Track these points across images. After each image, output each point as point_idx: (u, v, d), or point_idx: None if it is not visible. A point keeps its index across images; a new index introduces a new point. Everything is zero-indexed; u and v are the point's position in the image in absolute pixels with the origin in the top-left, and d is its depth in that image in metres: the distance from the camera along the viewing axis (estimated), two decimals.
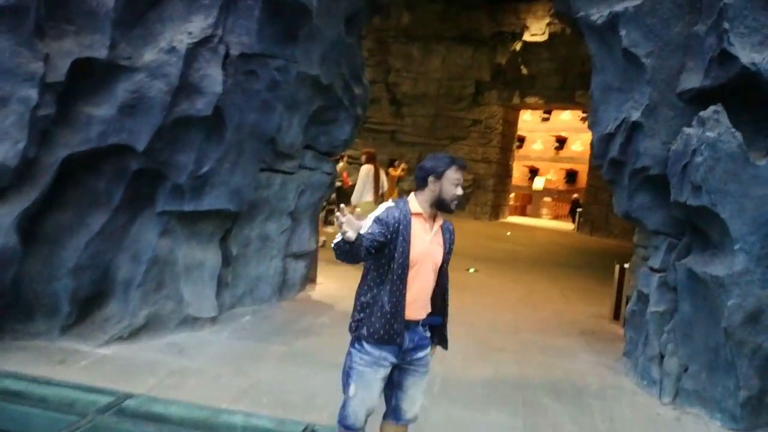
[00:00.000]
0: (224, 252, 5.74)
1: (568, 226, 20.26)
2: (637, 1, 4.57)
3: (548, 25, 17.72)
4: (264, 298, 6.38)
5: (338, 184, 14.39)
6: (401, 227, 2.62)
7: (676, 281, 4.79)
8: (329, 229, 12.89)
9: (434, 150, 19.37)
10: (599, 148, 5.14)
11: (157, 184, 5.00)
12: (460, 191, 2.70)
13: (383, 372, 2.69)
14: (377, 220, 2.62)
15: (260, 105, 5.09)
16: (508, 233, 16.12)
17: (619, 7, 4.67)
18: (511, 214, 21.77)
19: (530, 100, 18.60)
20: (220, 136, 4.95)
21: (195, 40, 4.67)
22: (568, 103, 18.19)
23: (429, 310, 2.77)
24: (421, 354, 2.75)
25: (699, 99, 4.56)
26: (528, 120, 24.76)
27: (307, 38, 5.74)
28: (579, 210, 18.41)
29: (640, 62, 4.59)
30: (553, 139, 25.76)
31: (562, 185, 24.97)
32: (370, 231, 2.56)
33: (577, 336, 6.33)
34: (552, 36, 17.62)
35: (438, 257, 2.74)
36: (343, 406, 2.73)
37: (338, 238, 2.47)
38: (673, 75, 4.63)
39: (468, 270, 9.54)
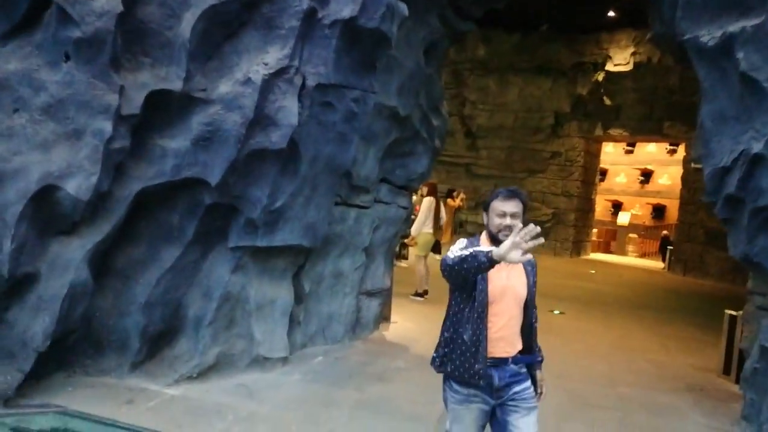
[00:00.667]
0: (296, 289, 5.51)
1: (657, 264, 18.96)
2: (756, 20, 4.04)
3: (633, 54, 16.95)
4: (336, 337, 6.09)
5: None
6: (480, 262, 2.44)
7: None
8: (403, 264, 12.56)
9: (510, 183, 18.78)
10: (712, 183, 4.55)
11: (230, 218, 4.85)
12: (508, 221, 2.55)
13: (477, 410, 2.60)
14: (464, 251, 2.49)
15: (336, 137, 4.88)
16: (593, 271, 15.20)
17: (734, 27, 4.15)
18: (594, 250, 20.66)
19: (614, 131, 17.74)
20: (295, 170, 4.76)
21: (271, 71, 4.54)
22: (655, 134, 17.20)
23: (518, 347, 2.65)
24: (518, 388, 2.61)
25: None
26: (610, 152, 23.68)
27: (385, 69, 5.53)
28: (670, 248, 17.17)
29: (761, 87, 4.04)
30: (637, 172, 24.47)
31: (648, 221, 23.55)
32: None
33: (683, 392, 5.61)
34: (637, 65, 16.81)
35: (521, 292, 2.64)
36: None
37: (457, 252, 2.48)
38: None
39: (552, 311, 8.90)
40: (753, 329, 5.49)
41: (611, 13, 16.44)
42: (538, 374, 2.77)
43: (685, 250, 16.31)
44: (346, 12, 4.52)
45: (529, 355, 2.68)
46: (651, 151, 24.14)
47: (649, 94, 16.78)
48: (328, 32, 4.62)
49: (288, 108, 4.57)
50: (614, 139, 19.76)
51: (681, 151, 22.52)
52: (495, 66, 18.61)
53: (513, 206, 2.58)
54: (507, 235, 2.40)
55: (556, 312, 8.98)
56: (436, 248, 9.81)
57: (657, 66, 16.37)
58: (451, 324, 2.64)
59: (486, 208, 2.66)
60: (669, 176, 23.51)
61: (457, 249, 2.52)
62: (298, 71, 4.63)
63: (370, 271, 6.44)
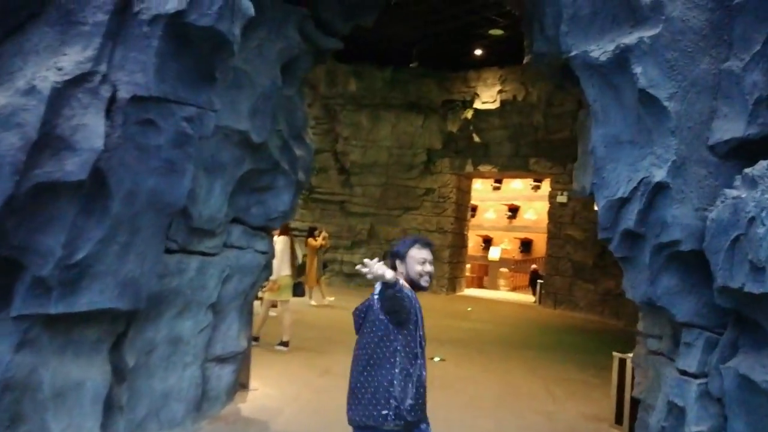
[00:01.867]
0: (116, 364, 4.23)
1: (528, 298, 19.25)
2: (652, 31, 3.59)
3: (499, 92, 17.31)
4: (175, 419, 4.83)
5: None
6: (414, 301, 2.77)
7: (722, 390, 3.61)
8: (272, 313, 11.34)
9: (385, 220, 18.31)
10: (607, 217, 4.02)
11: (12, 277, 3.54)
12: (428, 267, 2.85)
13: None
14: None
15: (162, 166, 3.77)
16: (469, 309, 14.90)
17: (629, 40, 3.68)
18: (468, 285, 20.65)
19: (483, 168, 17.92)
20: (104, 209, 3.58)
21: (66, 78, 3.37)
22: (522, 170, 17.59)
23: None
24: None
25: (737, 152, 3.55)
26: (479, 189, 24.14)
27: (232, 84, 4.55)
28: (540, 281, 17.45)
29: (662, 106, 3.57)
30: (505, 208, 25.20)
31: (517, 255, 24.18)
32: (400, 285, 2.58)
33: None
34: (504, 103, 17.17)
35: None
36: None
37: (378, 287, 2.67)
38: (702, 123, 3.61)
39: (433, 359, 8.16)
40: (648, 375, 5.04)
41: (478, 51, 16.73)
42: None
43: (555, 283, 16.60)
44: (171, 5, 3.50)
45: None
46: (517, 187, 24.99)
47: (515, 131, 17.16)
48: (147, 30, 3.55)
49: (90, 127, 3.41)
50: (483, 176, 20.06)
51: (545, 186, 23.53)
52: (367, 102, 18.22)
53: (429, 253, 2.90)
54: (427, 281, 2.84)
55: (437, 359, 8.27)
56: (298, 291, 8.81)
57: (522, 103, 16.82)
58: (403, 367, 2.65)
59: (402, 257, 2.87)
60: (534, 211, 24.40)
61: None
62: (106, 79, 3.50)
63: (220, 333, 5.27)
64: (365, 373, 2.67)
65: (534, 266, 19.53)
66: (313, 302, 13.26)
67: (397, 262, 2.84)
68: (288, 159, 5.48)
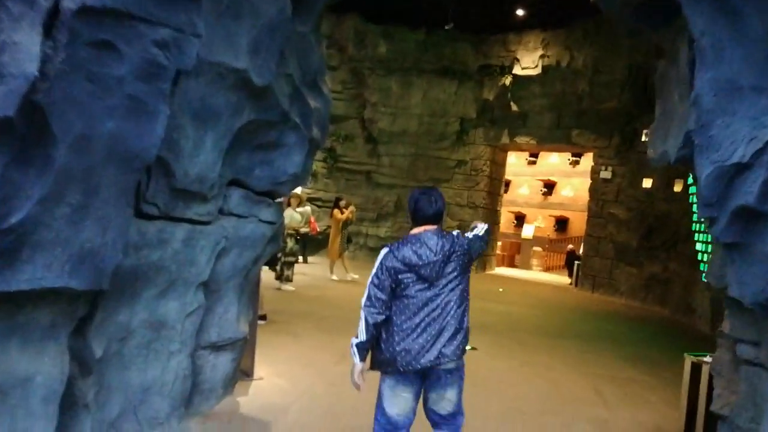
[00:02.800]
0: (79, 354, 3.43)
1: (563, 279, 18.17)
2: None
3: (541, 57, 16.03)
4: (158, 417, 4.05)
5: (305, 230, 12.11)
6: None
7: None
8: (289, 287, 10.56)
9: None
10: (713, 189, 3.01)
11: None
12: None
13: None
14: None
15: (126, 105, 2.88)
16: (501, 289, 13.94)
17: None
18: (499, 264, 19.65)
19: (521, 139, 16.74)
20: (46, 158, 2.71)
21: None
22: (563, 143, 16.36)
23: None
24: None
25: None
26: (513, 163, 22.90)
27: (228, 10, 3.61)
28: (577, 263, 16.35)
29: None
30: (540, 183, 23.94)
31: (552, 233, 22.99)
32: None
33: None
34: (546, 69, 15.90)
35: None
36: None
37: (482, 228, 3.46)
38: None
39: None
40: (738, 389, 4.06)
41: (519, 12, 15.43)
42: None
43: (594, 265, 15.49)
44: None
45: None
46: (553, 162, 23.69)
47: (557, 100, 15.91)
48: None
49: (22, 46, 2.53)
50: (522, 148, 18.88)
51: (584, 162, 22.17)
52: (397, 66, 17.12)
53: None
54: None
55: (468, 348, 7.35)
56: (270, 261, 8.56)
57: (566, 70, 15.53)
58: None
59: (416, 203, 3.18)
60: (572, 188, 23.12)
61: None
62: None
63: (215, 316, 4.44)
64: (462, 310, 3.12)
65: (570, 246, 18.40)
66: (334, 277, 12.46)
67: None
68: (300, 111, 4.55)
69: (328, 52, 16.84)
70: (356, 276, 12.26)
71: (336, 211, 12.58)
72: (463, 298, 3.10)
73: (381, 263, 3.00)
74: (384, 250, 3.09)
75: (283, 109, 4.33)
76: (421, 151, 17.28)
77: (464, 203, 17.19)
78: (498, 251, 19.88)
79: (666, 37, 4.50)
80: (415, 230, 3.12)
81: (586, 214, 19.22)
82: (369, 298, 2.98)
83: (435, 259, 2.97)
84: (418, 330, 2.96)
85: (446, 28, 16.79)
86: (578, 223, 21.61)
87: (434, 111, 17.16)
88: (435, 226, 3.11)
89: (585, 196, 22.32)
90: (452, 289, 3.03)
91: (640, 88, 14.43)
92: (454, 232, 3.18)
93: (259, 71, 3.91)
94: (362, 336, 2.98)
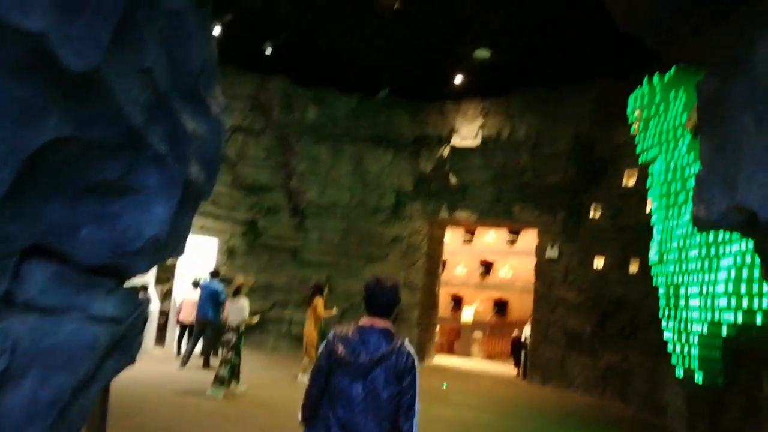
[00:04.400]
0: None
1: (508, 370, 16.53)
2: None
3: (481, 127, 15.11)
4: None
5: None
6: None
7: None
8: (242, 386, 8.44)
9: (345, 272, 15.46)
10: None
11: None
12: None
13: None
14: None
15: None
16: (445, 385, 12.07)
17: None
18: (438, 351, 17.86)
19: (461, 214, 15.48)
20: None
21: None
22: (506, 218, 15.22)
23: None
24: None
25: None
26: (448, 241, 21.65)
27: None
28: (524, 351, 14.81)
29: None
30: (477, 262, 22.74)
31: (491, 317, 21.56)
32: None
33: None
34: (486, 140, 14.94)
35: None
36: None
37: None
38: None
39: None
40: None
41: (458, 80, 14.53)
42: None
43: (543, 354, 13.98)
44: None
45: None
46: (489, 241, 22.66)
47: (498, 173, 14.87)
48: None
49: None
50: (461, 224, 17.64)
51: (522, 240, 21.24)
52: (328, 133, 15.74)
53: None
54: None
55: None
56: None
57: (507, 142, 14.61)
58: None
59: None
60: (510, 267, 22.02)
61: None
62: None
63: None
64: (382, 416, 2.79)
65: (515, 332, 16.88)
66: (305, 379, 10.09)
67: None
68: (166, 133, 2.75)
69: (252, 114, 15.28)
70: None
71: (319, 302, 10.32)
72: (392, 405, 2.79)
73: (324, 342, 2.96)
74: (331, 332, 2.98)
75: (133, 124, 2.52)
76: (354, 225, 15.66)
77: (401, 283, 15.47)
78: (436, 337, 18.11)
79: (718, 41, 3.11)
80: (364, 320, 2.96)
81: (526, 295, 17.98)
82: (312, 371, 2.96)
83: (366, 359, 2.83)
84: (337, 422, 2.80)
85: (381, 94, 15.73)
86: (518, 306, 20.37)
87: (367, 182, 15.74)
88: (385, 322, 2.93)
89: (524, 277, 21.25)
90: (378, 392, 2.81)
91: (585, 159, 13.62)
92: (405, 347, 2.87)
93: (74, 44, 2.12)
94: (300, 412, 2.94)
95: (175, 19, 2.78)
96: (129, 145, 2.57)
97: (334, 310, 10.69)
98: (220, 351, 9.22)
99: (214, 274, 11.53)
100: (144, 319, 3.04)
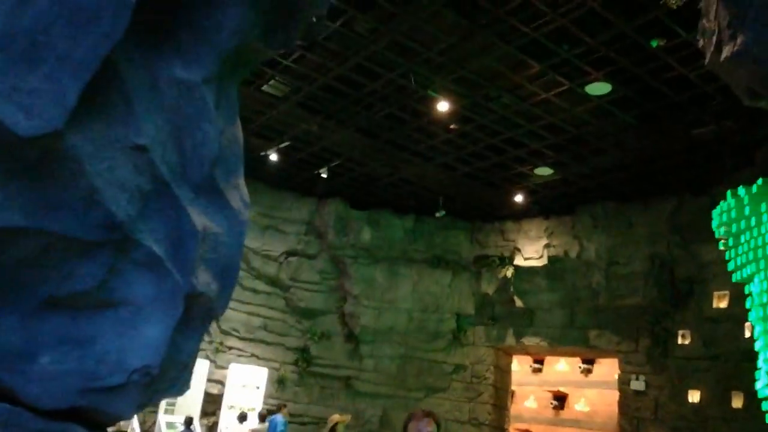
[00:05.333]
0: None
1: None
2: None
3: (546, 246, 14.20)
4: None
5: None
6: None
7: None
8: None
9: (403, 404, 14.16)
10: None
11: None
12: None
13: None
14: None
15: None
16: None
17: None
18: None
19: (529, 341, 14.17)
20: None
21: None
22: (580, 346, 13.77)
23: None
24: None
25: None
26: (515, 371, 19.93)
27: None
28: None
29: None
30: (549, 395, 20.65)
31: None
32: None
33: None
34: (552, 260, 13.96)
35: None
36: None
37: None
38: None
39: None
40: None
41: (518, 198, 13.92)
42: None
43: None
44: None
45: None
46: (561, 369, 20.70)
47: (568, 295, 13.70)
48: None
49: None
50: (530, 351, 16.18)
51: (598, 370, 19.28)
52: (383, 255, 15.19)
53: (427, 423, 3.11)
54: None
55: None
56: None
57: (576, 261, 13.57)
58: None
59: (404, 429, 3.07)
60: (587, 401, 19.82)
61: None
62: None
63: None
64: None
65: None
66: None
67: None
68: (165, 230, 2.14)
69: (307, 238, 15.02)
70: None
71: None
72: None
73: None
74: None
75: (116, 215, 1.92)
76: (412, 352, 14.55)
77: (465, 419, 13.99)
78: None
79: None
80: None
81: None
82: None
83: None
84: None
85: (437, 215, 15.28)
86: None
87: (426, 306, 14.82)
88: None
89: (602, 411, 19.02)
90: None
91: (666, 281, 12.36)
92: None
93: (24, 99, 1.58)
94: None
95: (187, 91, 2.27)
96: (110, 244, 1.96)
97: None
98: None
99: (279, 408, 11.63)
100: None
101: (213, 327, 13.62)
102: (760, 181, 8.62)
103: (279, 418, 11.10)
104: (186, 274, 2.19)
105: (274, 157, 13.15)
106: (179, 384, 2.36)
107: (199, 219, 2.29)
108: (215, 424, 12.88)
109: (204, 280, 2.29)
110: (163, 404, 12.01)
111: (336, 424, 9.16)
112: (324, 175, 13.89)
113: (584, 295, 13.51)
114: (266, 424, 11.60)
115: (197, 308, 2.31)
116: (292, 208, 14.91)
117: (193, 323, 2.34)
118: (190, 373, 2.43)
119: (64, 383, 1.96)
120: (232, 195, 2.49)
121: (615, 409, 13.24)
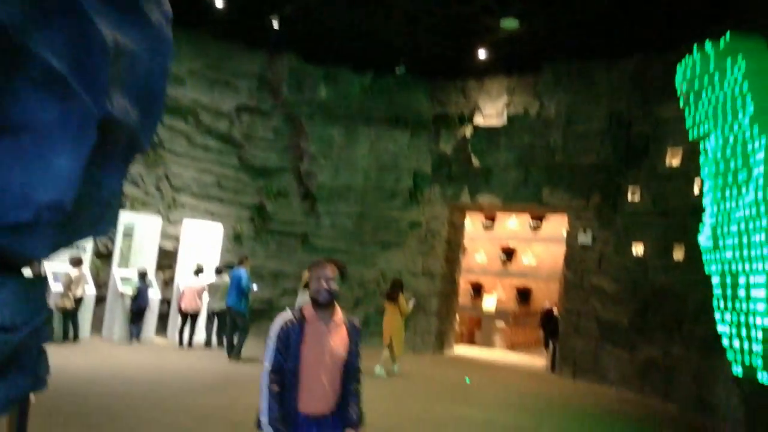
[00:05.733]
0: None
1: (533, 361, 15.48)
2: None
3: (506, 105, 13.97)
4: None
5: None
6: (292, 335, 2.85)
7: None
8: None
9: (359, 259, 14.54)
10: None
11: None
12: (324, 284, 2.90)
13: None
14: (275, 342, 2.86)
15: None
16: (468, 380, 11.09)
17: None
18: (458, 341, 16.87)
19: (484, 199, 14.38)
20: None
21: None
22: (533, 203, 14.08)
23: (332, 405, 2.90)
24: None
25: None
26: (468, 228, 20.58)
27: None
28: (552, 341, 13.71)
29: None
30: (498, 249, 21.62)
31: (513, 306, 20.47)
32: (273, 360, 2.84)
33: None
34: (512, 119, 13.82)
35: (338, 353, 2.90)
36: None
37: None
38: None
39: None
40: None
41: (482, 54, 13.38)
42: None
43: (575, 346, 12.91)
44: None
45: (343, 414, 2.91)
46: (511, 227, 21.52)
47: (525, 154, 13.73)
48: None
49: None
50: (485, 209, 16.56)
51: (547, 226, 20.10)
52: (341, 113, 14.73)
53: (330, 270, 2.94)
54: (324, 296, 2.89)
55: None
56: None
57: (536, 120, 13.47)
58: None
59: (310, 276, 2.99)
60: (534, 255, 20.87)
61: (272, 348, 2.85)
62: None
63: None
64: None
65: (547, 304, 15.21)
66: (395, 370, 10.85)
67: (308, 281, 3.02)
68: (67, 43, 1.77)
69: (259, 93, 14.31)
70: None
71: (401, 299, 10.81)
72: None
73: None
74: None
75: (1, 20, 1.54)
76: (369, 210, 14.67)
77: (419, 271, 14.51)
78: (456, 327, 17.11)
79: None
80: None
81: (551, 284, 16.88)
82: None
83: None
84: None
85: (397, 71, 14.66)
86: (542, 294, 19.27)
87: (383, 164, 14.72)
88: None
89: (549, 265, 20.12)
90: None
91: (623, 139, 12.45)
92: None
93: None
94: None
95: None
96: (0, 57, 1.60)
97: (411, 304, 11.19)
98: None
99: (240, 261, 11.48)
100: (49, 328, 2.09)
101: (163, 183, 13.26)
102: (728, 35, 8.37)
103: (242, 271, 11.05)
104: (96, 97, 1.86)
105: (219, 1, 12.06)
106: (103, 224, 2.12)
107: (110, 32, 1.92)
108: (171, 278, 13.00)
109: (120, 105, 1.97)
110: (116, 258, 11.94)
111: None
112: (276, 25, 12.92)
113: (541, 154, 13.58)
114: (224, 278, 11.72)
115: (117, 139, 2.01)
116: (242, 61, 14.02)
117: (114, 157, 2.06)
118: (116, 213, 2.19)
119: None
120: (150, 7, 2.09)
121: (561, 262, 13.90)
